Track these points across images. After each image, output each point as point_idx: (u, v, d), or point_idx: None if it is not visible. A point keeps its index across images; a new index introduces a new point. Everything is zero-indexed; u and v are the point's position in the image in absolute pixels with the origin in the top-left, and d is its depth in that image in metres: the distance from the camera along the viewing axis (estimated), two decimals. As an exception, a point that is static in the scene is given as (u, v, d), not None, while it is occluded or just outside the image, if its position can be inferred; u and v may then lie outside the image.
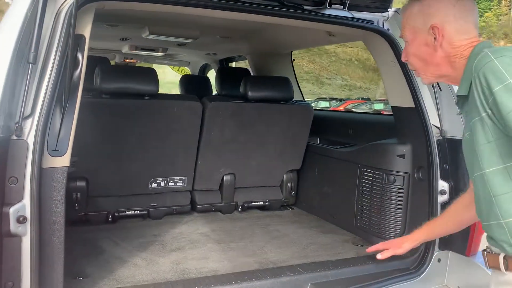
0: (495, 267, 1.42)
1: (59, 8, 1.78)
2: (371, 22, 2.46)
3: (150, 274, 2.15)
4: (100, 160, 2.81)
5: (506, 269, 1.37)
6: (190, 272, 2.19)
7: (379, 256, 2.11)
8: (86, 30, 1.86)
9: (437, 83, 2.41)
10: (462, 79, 1.48)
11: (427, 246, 2.42)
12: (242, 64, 5.58)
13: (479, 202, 1.44)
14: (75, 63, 1.80)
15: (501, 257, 1.39)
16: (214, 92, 4.47)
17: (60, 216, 1.71)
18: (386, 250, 2.12)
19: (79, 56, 1.82)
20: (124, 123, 2.78)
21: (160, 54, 4.90)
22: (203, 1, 2.04)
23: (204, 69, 5.99)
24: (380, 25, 2.50)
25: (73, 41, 1.78)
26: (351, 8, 2.45)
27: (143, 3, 2.01)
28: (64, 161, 1.73)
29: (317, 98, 30.90)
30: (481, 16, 62.16)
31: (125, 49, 4.76)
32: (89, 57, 3.99)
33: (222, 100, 3.02)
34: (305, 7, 2.33)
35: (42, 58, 1.70)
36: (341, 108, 23.26)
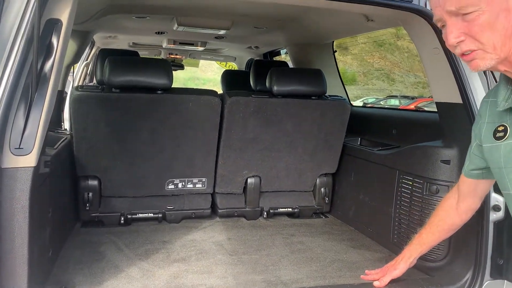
0: None
1: (31, -10, 1.59)
2: (409, 0, 2.04)
3: (141, 288, 1.92)
4: (112, 159, 2.65)
5: None
6: (185, 289, 1.93)
7: (376, 284, 1.89)
8: (64, 14, 1.66)
9: (492, 72, 1.95)
10: None
11: (475, 274, 1.98)
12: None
13: None
14: (48, 51, 1.60)
15: None
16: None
17: (23, 223, 1.52)
18: (383, 276, 1.91)
19: (53, 42, 1.62)
20: (135, 119, 2.59)
21: (200, 48, 4.75)
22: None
23: (251, 64, 5.73)
24: (422, 4, 2.07)
25: (45, 27, 1.59)
26: (385, -16, 2.05)
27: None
28: (29, 160, 1.54)
29: (387, 96, 29.62)
30: None
31: (165, 43, 4.66)
32: (118, 51, 3.92)
33: (244, 95, 2.73)
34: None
35: (9, 47, 1.53)
36: (411, 106, 22.00)
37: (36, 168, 1.57)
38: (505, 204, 1.93)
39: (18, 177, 1.52)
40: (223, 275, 2.10)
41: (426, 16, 2.03)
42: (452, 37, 1.17)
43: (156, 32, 4.13)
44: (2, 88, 1.48)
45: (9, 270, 1.52)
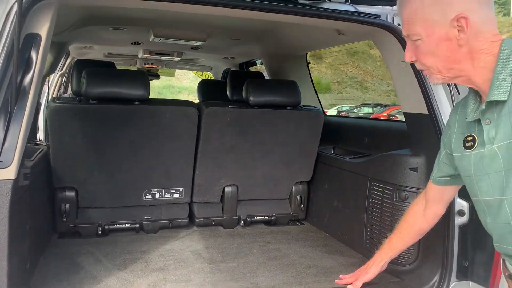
0: None
1: (11, 6, 1.62)
2: (378, 16, 2.16)
3: (119, 298, 1.95)
4: (89, 169, 2.66)
5: None
6: (164, 297, 1.96)
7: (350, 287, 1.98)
8: (43, 29, 1.69)
9: (455, 85, 2.07)
10: (495, 82, 1.24)
11: (442, 276, 2.08)
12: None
13: None
14: (27, 65, 1.63)
15: None
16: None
17: (2, 235, 1.53)
18: (356, 280, 1.99)
19: (33, 56, 1.65)
20: (113, 130, 2.61)
21: (176, 58, 4.77)
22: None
23: (227, 74, 5.79)
24: (389, 20, 2.19)
25: (24, 41, 1.62)
26: (355, 1, 2.16)
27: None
28: (8, 173, 1.55)
29: (361, 104, 30.16)
30: (539, 16, 58.78)
31: (141, 54, 4.66)
32: (94, 62, 3.92)
33: (221, 106, 2.79)
34: (300, 1, 2.07)
35: (-12, 60, 1.55)
36: (384, 114, 22.47)
37: (16, 181, 1.58)
38: (469, 209, 2.05)
39: (-3, 190, 1.53)
40: (202, 283, 2.14)
41: (393, 31, 2.15)
42: (406, 57, 1.38)
43: (132, 43, 4.14)
44: (-19, 102, 1.50)
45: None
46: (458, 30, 1.24)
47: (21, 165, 1.63)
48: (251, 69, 5.21)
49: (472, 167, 1.36)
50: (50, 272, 2.16)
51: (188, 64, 5.74)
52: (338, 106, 26.46)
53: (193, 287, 2.08)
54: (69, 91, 4.79)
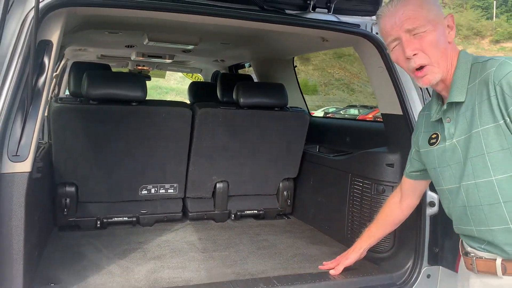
0: (487, 272, 1.45)
1: (26, 15, 1.79)
2: (358, 26, 2.37)
3: (122, 282, 2.12)
4: (89, 166, 2.83)
5: (504, 273, 1.40)
6: (163, 281, 2.14)
7: (332, 272, 2.19)
8: (54, 36, 1.87)
9: (427, 88, 2.30)
10: (455, 85, 1.46)
11: (415, 261, 2.30)
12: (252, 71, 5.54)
13: (477, 208, 1.43)
14: (40, 69, 1.80)
15: (498, 261, 1.41)
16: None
17: (19, 222, 1.70)
18: (337, 265, 2.19)
19: (45, 62, 1.82)
20: (112, 129, 2.78)
21: (168, 61, 4.94)
22: (172, 6, 2.01)
23: (216, 76, 5.98)
24: (368, 29, 2.40)
25: (38, 47, 1.79)
26: (337, 12, 2.37)
27: (112, 8, 2.00)
28: (25, 166, 1.72)
29: (347, 106, 30.56)
30: (520, 20, 60.04)
31: (133, 56, 4.83)
32: (91, 64, 4.08)
33: (213, 107, 2.99)
34: (287, 11, 2.27)
35: (6, 65, 1.72)
36: (370, 115, 22.85)
37: (31, 174, 1.75)
38: (439, 200, 2.27)
39: (15, 182, 1.70)
40: (197, 269, 2.32)
41: (372, 39, 2.36)
42: (409, 50, 1.44)
43: (126, 46, 4.31)
44: (2, 102, 1.67)
45: (8, 266, 1.69)
46: (448, 26, 1.48)
47: (35, 159, 1.81)
48: (240, 71, 5.41)
49: (436, 160, 1.58)
50: (55, 261, 2.33)
51: (179, 66, 5.91)
52: (325, 108, 26.80)
53: (189, 273, 2.26)
54: (67, 92, 4.93)
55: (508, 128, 1.32)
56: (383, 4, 2.42)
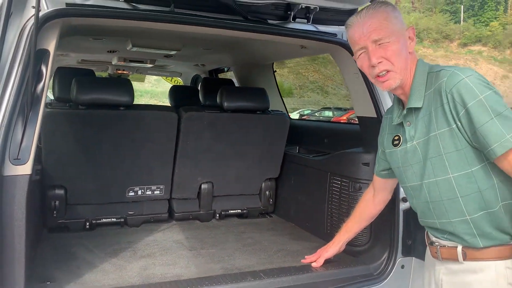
0: (450, 258, 1.62)
1: (24, 24, 1.89)
2: (335, 35, 2.55)
3: (116, 279, 2.22)
4: (78, 169, 2.91)
5: (464, 258, 1.57)
6: (155, 277, 2.26)
7: (314, 265, 2.35)
8: (51, 45, 1.97)
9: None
10: (414, 92, 1.63)
11: (390, 253, 2.47)
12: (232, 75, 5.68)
13: (438, 203, 1.59)
14: (38, 77, 1.90)
15: (459, 249, 1.58)
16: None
17: (21, 221, 1.79)
18: (318, 258, 2.36)
19: (43, 69, 1.91)
20: (100, 133, 2.87)
21: (148, 65, 5.02)
22: (162, 16, 2.14)
23: (196, 80, 6.09)
24: (344, 38, 2.58)
25: (36, 56, 1.88)
26: (316, 22, 2.54)
27: (107, 18, 2.11)
28: (25, 169, 1.82)
29: (322, 108, 31.05)
30: (486, 25, 62.29)
31: (115, 61, 4.89)
32: (75, 70, 4.14)
33: (198, 110, 3.11)
34: (270, 21, 2.43)
35: (6, 72, 1.81)
36: (344, 117, 23.30)
37: (31, 176, 1.85)
38: (410, 195, 2.47)
39: (17, 184, 1.79)
40: (186, 265, 2.45)
41: (348, 48, 2.53)
42: (374, 58, 1.59)
43: (108, 51, 4.38)
44: (4, 108, 1.76)
45: (10, 264, 1.77)
46: (409, 37, 1.64)
47: (34, 162, 1.90)
48: (220, 75, 5.55)
49: (399, 160, 1.74)
50: (48, 261, 2.41)
51: (159, 70, 5.99)
52: (300, 110, 27.14)
53: (179, 269, 2.38)
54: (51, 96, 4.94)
55: (460, 131, 1.48)
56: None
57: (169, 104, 5.24)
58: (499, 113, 1.40)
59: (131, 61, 4.80)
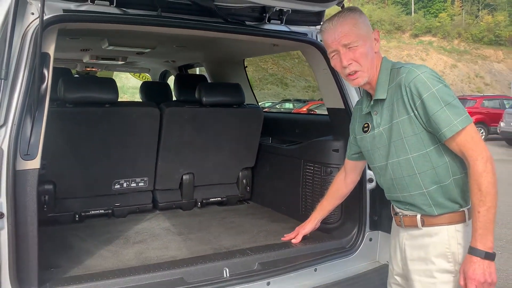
0: (411, 225, 1.92)
1: (25, 29, 2.04)
2: (305, 34, 2.82)
3: (116, 262, 2.42)
4: (66, 165, 3.05)
5: (423, 225, 1.87)
6: (152, 259, 2.47)
7: (293, 241, 2.64)
8: (51, 49, 2.12)
9: (359, 88, 2.80)
10: (379, 86, 1.92)
11: (359, 228, 2.79)
12: (202, 71, 5.86)
13: (401, 179, 1.88)
14: (42, 78, 2.06)
15: (418, 217, 1.87)
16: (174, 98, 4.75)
17: (33, 212, 1.96)
18: (296, 235, 2.64)
19: (45, 72, 2.07)
20: (87, 130, 3.03)
21: (120, 62, 5.13)
22: (151, 20, 2.33)
23: (164, 75, 6.24)
24: (314, 37, 2.86)
25: (40, 60, 2.04)
26: (288, 22, 2.80)
27: (100, 23, 2.28)
28: (34, 164, 1.98)
29: (282, 100, 31.54)
30: (435, 16, 64.90)
31: (86, 58, 4.96)
32: (55, 69, 4.21)
33: (179, 106, 3.32)
34: (247, 23, 2.67)
35: (12, 74, 1.96)
36: (304, 109, 23.84)
37: (39, 170, 2.01)
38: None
39: (28, 177, 1.95)
40: (178, 248, 2.67)
41: (317, 46, 2.82)
42: (345, 60, 1.84)
43: (81, 49, 4.47)
44: (14, 108, 1.92)
45: (24, 252, 1.94)
46: (374, 39, 1.91)
47: (41, 157, 2.06)
48: (190, 71, 5.73)
49: (369, 144, 2.04)
50: (47, 251, 2.55)
51: (128, 66, 6.07)
52: (261, 102, 27.43)
53: (173, 252, 2.61)
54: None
55: (416, 118, 1.78)
56: (325, 19, 2.91)
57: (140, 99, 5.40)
58: (448, 102, 1.70)
59: (103, 58, 4.90)
